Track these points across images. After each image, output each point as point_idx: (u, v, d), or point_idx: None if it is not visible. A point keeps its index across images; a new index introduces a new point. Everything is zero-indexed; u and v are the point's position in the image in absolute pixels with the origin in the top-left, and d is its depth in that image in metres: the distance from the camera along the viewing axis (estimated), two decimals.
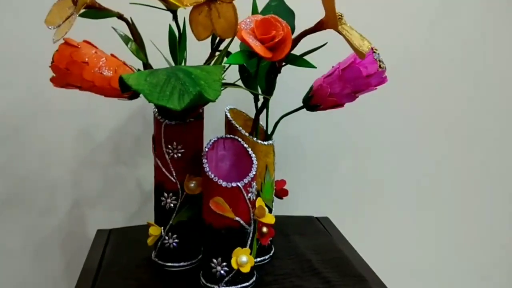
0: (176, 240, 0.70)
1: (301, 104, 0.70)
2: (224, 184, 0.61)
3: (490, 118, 1.09)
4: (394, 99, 1.02)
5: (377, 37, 0.63)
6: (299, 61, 0.58)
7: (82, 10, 0.57)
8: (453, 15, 1.03)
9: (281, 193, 0.76)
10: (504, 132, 1.11)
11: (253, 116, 0.75)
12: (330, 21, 0.49)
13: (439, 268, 1.15)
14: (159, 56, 0.70)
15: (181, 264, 0.71)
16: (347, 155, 1.04)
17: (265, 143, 0.69)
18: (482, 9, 1.03)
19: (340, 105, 0.65)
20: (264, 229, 0.69)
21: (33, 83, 0.91)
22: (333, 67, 0.65)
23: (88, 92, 0.65)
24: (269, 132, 0.73)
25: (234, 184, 0.61)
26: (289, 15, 0.72)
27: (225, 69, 0.56)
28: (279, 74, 0.64)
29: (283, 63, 0.61)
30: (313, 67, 0.59)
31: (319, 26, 0.54)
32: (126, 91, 0.55)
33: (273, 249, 0.76)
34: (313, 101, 0.66)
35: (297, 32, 0.62)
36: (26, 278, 0.99)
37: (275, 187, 0.74)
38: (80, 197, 0.98)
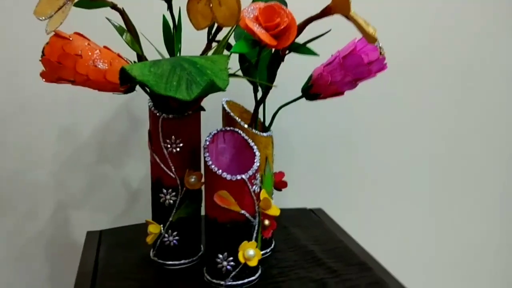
0: (176, 238, 0.68)
1: (299, 94, 0.69)
2: (228, 177, 0.59)
3: (485, 115, 1.12)
4: (389, 91, 1.03)
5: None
6: (302, 49, 0.57)
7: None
8: (451, 14, 1.05)
9: (280, 185, 0.75)
10: (497, 127, 1.14)
11: (248, 108, 0.74)
12: (342, 5, 0.48)
13: (434, 255, 1.16)
14: (150, 48, 0.68)
15: (182, 261, 0.69)
16: (337, 146, 1.04)
17: (265, 134, 0.68)
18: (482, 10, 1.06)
19: (341, 93, 0.65)
20: (266, 222, 0.68)
21: (10, 80, 0.87)
22: (332, 55, 0.64)
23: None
24: (267, 124, 0.71)
25: (238, 177, 0.59)
26: (281, 4, 0.70)
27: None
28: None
29: (287, 51, 0.59)
30: (316, 54, 0.59)
31: (326, 12, 0.52)
32: (127, 83, 0.53)
33: (273, 242, 0.75)
34: (313, 90, 0.65)
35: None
36: (9, 286, 0.94)
37: (274, 179, 0.73)
38: (63, 199, 0.94)
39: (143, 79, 0.48)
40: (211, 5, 0.56)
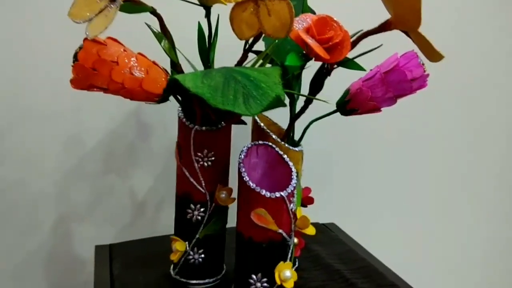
0: (201, 255, 0.65)
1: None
2: (267, 194, 0.57)
3: (485, 123, 1.13)
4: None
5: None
6: (351, 63, 0.55)
7: None
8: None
9: (307, 201, 0.72)
10: (497, 138, 1.16)
11: (275, 121, 0.72)
12: (409, 20, 0.46)
13: (445, 268, 1.17)
14: (181, 55, 0.64)
15: (206, 281, 0.66)
16: (342, 159, 1.03)
17: (297, 149, 0.66)
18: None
19: (378, 109, 0.63)
20: (296, 240, 0.66)
21: (11, 85, 0.81)
22: (371, 70, 0.63)
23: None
24: (296, 137, 0.69)
25: (278, 194, 0.57)
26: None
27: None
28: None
29: (336, 66, 0.57)
30: (364, 69, 0.57)
31: (385, 27, 0.51)
32: (173, 94, 0.50)
33: (297, 260, 0.72)
34: (350, 105, 0.63)
35: None
36: None
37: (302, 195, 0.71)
38: (66, 211, 0.89)
39: (197, 91, 0.45)
40: (258, 14, 0.53)
